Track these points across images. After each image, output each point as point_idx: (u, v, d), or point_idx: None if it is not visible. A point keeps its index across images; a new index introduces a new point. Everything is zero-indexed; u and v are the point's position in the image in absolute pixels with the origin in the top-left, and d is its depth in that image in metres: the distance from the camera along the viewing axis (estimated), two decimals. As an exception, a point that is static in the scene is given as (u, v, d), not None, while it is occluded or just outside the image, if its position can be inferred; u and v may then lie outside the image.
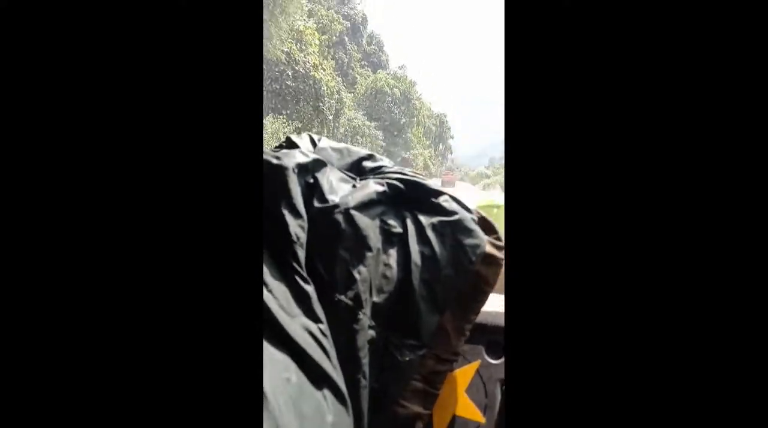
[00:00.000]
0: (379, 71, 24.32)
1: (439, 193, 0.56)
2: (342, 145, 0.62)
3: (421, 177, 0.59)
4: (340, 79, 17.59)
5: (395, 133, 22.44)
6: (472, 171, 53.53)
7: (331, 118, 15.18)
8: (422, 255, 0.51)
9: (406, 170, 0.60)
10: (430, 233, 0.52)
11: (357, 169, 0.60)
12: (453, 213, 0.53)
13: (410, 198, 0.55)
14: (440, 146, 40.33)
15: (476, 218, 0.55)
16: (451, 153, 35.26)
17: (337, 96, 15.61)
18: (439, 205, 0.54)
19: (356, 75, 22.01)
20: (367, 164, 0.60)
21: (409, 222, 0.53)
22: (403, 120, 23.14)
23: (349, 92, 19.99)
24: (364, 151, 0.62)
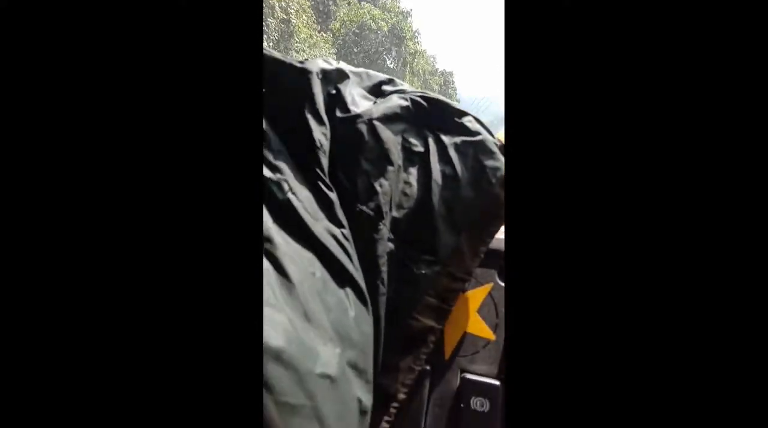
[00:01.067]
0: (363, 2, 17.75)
1: (464, 114, 0.55)
2: (361, 69, 0.61)
3: (444, 98, 0.57)
4: (310, 13, 12.63)
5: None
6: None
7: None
8: (443, 174, 0.51)
9: (429, 92, 0.58)
10: (452, 152, 0.52)
11: (376, 93, 0.58)
12: (476, 133, 0.53)
13: (433, 116, 0.54)
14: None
15: (498, 142, 0.54)
16: None
17: (310, 40, 11.77)
18: (462, 125, 0.54)
19: (332, 6, 15.83)
20: (387, 88, 0.59)
21: (431, 141, 0.53)
22: (391, 64, 16.33)
23: (323, 32, 14.24)
24: (383, 76, 0.61)
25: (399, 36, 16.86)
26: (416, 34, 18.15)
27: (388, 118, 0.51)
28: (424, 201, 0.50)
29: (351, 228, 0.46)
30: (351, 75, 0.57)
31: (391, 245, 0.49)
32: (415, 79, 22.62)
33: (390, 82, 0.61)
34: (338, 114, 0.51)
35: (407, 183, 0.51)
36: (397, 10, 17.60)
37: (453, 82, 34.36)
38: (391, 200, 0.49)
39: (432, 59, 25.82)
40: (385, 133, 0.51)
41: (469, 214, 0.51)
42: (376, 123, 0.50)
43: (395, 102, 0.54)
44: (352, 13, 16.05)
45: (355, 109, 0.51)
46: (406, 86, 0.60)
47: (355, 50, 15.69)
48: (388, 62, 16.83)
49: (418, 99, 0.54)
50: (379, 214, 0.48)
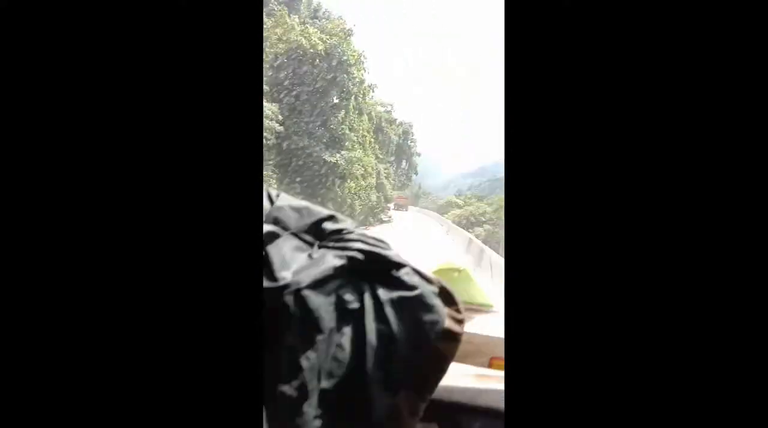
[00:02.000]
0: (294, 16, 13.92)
1: (401, 266, 0.54)
2: (303, 203, 0.60)
3: (383, 245, 0.56)
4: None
5: (310, 117, 13.33)
6: (440, 199, 46.23)
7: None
8: (378, 333, 0.49)
9: (368, 236, 0.57)
10: (388, 309, 0.50)
11: (316, 231, 0.57)
12: (413, 287, 0.52)
13: (370, 270, 0.53)
14: (403, 163, 32.59)
15: (437, 290, 0.53)
16: (416, 173, 27.24)
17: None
18: (399, 279, 0.53)
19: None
20: (328, 226, 0.58)
21: (366, 296, 0.52)
22: (325, 89, 13.64)
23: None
24: (325, 211, 0.60)
25: (338, 59, 13.20)
26: (362, 58, 15.80)
27: (318, 284, 0.49)
28: (357, 365, 0.48)
29: (271, 414, 0.44)
30: (290, 212, 0.56)
31: (318, 423, 0.46)
32: (371, 124, 20.12)
33: (331, 218, 0.58)
34: (264, 284, 0.48)
35: (339, 346, 0.49)
36: (339, 28, 13.86)
37: (413, 134, 32.89)
38: (319, 371, 0.47)
39: (387, 108, 23.87)
40: (315, 300, 0.49)
41: (407, 373, 0.49)
42: (305, 292, 0.48)
43: (329, 263, 0.51)
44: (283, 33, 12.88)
45: (284, 275, 0.48)
46: (348, 224, 0.58)
47: (293, 93, 12.58)
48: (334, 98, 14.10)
49: (355, 254, 0.53)
50: (303, 393, 0.46)
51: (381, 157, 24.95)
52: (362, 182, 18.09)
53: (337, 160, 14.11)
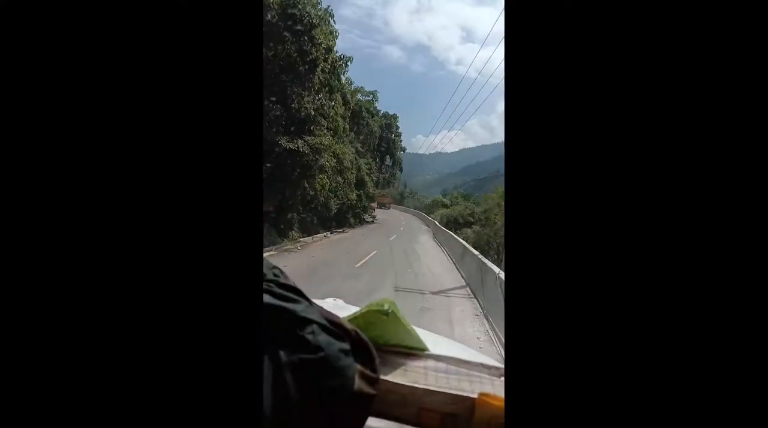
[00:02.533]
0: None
1: (307, 323, 0.49)
2: None
3: (293, 296, 0.50)
4: None
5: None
6: (426, 198, 43.76)
7: None
8: (274, 402, 0.45)
9: (281, 283, 0.51)
10: (288, 375, 0.46)
11: None
12: (318, 348, 0.48)
13: (275, 326, 0.48)
14: (387, 158, 29.82)
15: (348, 347, 0.50)
16: (401, 169, 24.51)
17: None
18: (304, 339, 0.48)
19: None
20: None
21: (266, 359, 0.47)
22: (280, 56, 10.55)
23: None
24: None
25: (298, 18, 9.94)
26: (329, 16, 11.27)
27: None
28: None
29: None
30: None
31: None
32: (347, 110, 17.32)
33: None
34: None
35: None
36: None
37: (398, 127, 30.16)
38: None
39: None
40: None
41: None
42: None
43: None
44: None
45: None
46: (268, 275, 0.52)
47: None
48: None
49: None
50: None
51: (362, 150, 22.14)
52: (339, 178, 15.27)
53: (299, 147, 11.19)
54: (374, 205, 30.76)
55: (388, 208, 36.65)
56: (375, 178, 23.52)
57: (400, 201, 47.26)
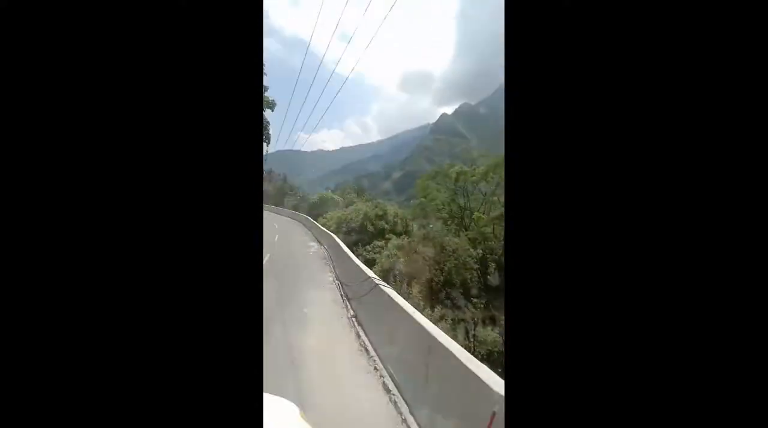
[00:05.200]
0: None
1: None
2: None
3: None
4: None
5: None
6: (311, 195, 35.50)
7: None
8: None
9: None
10: None
11: None
12: None
13: None
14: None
15: None
16: (267, 142, 15.85)
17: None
18: None
19: None
20: None
21: None
22: None
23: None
24: None
25: None
26: None
27: None
28: None
29: None
30: None
31: None
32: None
33: None
34: None
35: None
36: None
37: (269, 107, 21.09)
38: None
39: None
40: None
41: None
42: None
43: None
44: None
45: None
46: None
47: None
48: None
49: None
50: None
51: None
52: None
53: None
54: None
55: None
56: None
57: (278, 199, 37.76)
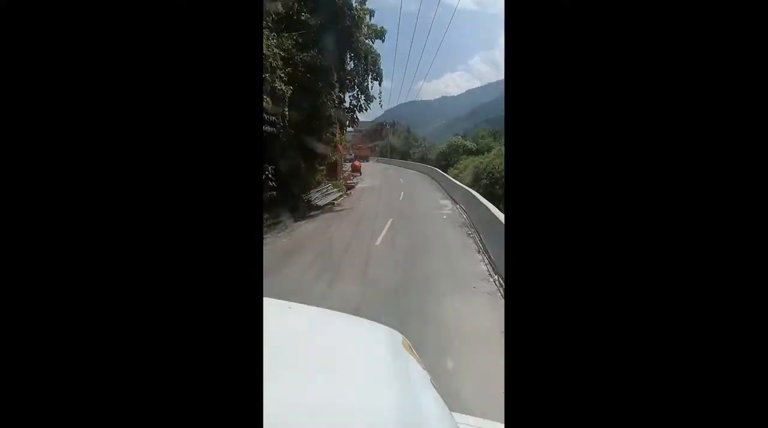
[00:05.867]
0: None
1: None
2: None
3: None
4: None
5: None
6: (438, 144, 32.10)
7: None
8: None
9: None
10: None
11: None
12: None
13: None
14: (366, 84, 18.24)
15: None
16: (380, 81, 13.02)
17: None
18: None
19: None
20: None
21: None
22: None
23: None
24: None
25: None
26: None
27: None
28: None
29: None
30: None
31: None
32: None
33: None
34: None
35: None
36: None
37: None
38: None
39: None
40: None
41: None
42: None
43: None
44: None
45: None
46: None
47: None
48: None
49: None
50: None
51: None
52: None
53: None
54: (353, 162, 19.75)
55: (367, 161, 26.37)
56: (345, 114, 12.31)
57: (402, 153, 35.80)
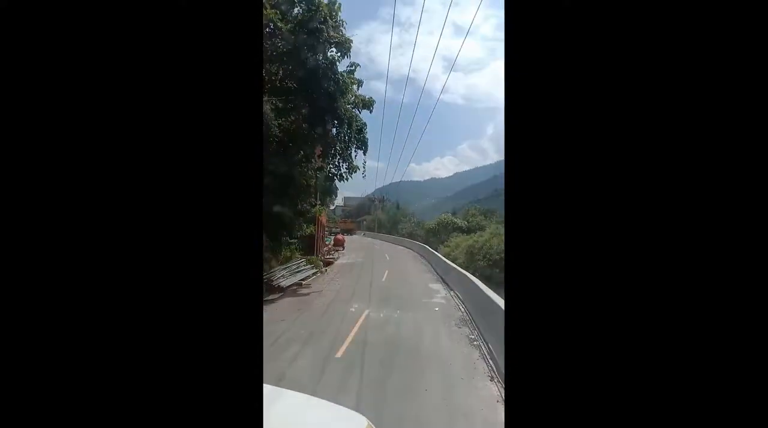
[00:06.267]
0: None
1: None
2: None
3: None
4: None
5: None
6: (427, 221, 31.56)
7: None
8: None
9: None
10: None
11: None
12: None
13: None
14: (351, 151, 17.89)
15: None
16: (363, 173, 12.29)
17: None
18: None
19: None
20: None
21: None
22: None
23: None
24: None
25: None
26: None
27: None
28: None
29: None
30: None
31: None
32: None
33: None
34: None
35: None
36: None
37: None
38: None
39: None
40: None
41: None
42: None
43: None
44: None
45: None
46: None
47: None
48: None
49: None
50: None
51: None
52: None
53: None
54: (337, 235, 18.40)
55: (353, 235, 25.21)
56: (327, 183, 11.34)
57: (389, 228, 34.96)
